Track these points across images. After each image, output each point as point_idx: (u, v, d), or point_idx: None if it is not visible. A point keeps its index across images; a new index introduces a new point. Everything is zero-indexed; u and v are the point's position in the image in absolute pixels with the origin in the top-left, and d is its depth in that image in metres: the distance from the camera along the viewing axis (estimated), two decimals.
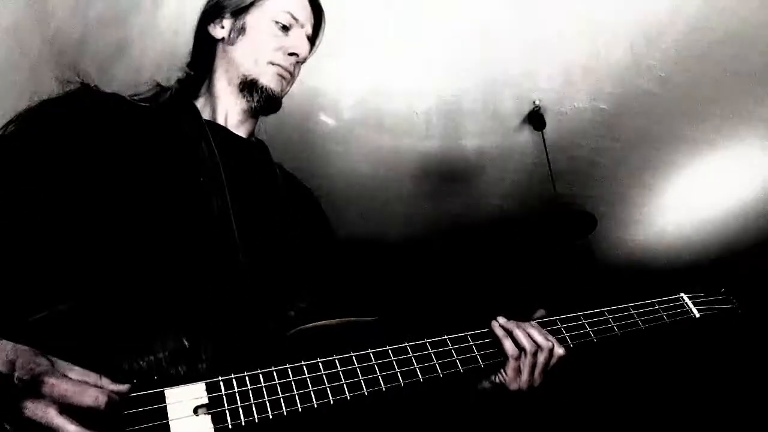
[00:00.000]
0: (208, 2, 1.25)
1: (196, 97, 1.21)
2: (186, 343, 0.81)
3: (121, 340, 0.79)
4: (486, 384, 1.05)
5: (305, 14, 1.21)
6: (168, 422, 0.72)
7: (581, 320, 1.12)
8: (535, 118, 3.21)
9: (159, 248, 0.89)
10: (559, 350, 1.04)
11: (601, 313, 1.15)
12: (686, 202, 3.99)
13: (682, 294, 1.29)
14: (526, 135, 3.39)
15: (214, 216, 0.96)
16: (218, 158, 1.03)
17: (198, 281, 0.89)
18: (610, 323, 1.14)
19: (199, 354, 0.81)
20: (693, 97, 3.14)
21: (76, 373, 0.67)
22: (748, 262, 4.34)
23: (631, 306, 1.18)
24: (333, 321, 0.91)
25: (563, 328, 1.10)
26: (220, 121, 1.17)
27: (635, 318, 1.17)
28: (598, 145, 3.50)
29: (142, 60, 2.64)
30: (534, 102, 3.17)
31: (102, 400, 0.65)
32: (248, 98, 1.16)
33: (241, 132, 1.19)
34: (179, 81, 1.23)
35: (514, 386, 1.02)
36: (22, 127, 0.93)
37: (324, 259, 1.13)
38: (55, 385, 0.64)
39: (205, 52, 1.23)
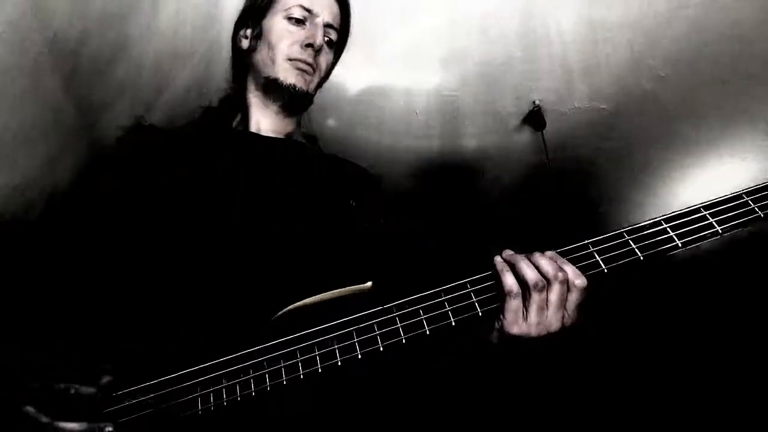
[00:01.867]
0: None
1: (238, 111, 1.23)
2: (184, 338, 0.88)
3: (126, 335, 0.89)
4: (495, 336, 0.87)
5: (320, 3, 1.21)
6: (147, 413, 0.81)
7: (624, 237, 0.85)
8: (535, 118, 3.21)
9: (169, 255, 0.96)
10: (578, 280, 0.82)
11: (657, 223, 0.86)
12: (686, 201, 3.98)
13: None
14: (526, 135, 3.39)
15: (224, 224, 1.00)
16: (233, 167, 1.06)
17: (199, 283, 0.94)
18: (668, 233, 0.84)
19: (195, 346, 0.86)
20: (693, 97, 3.13)
21: (65, 377, 0.79)
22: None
23: (702, 206, 0.87)
24: (325, 295, 0.89)
25: (596, 251, 0.85)
26: (253, 128, 1.19)
27: (708, 219, 0.85)
28: (598, 145, 3.50)
29: (142, 60, 2.64)
30: (534, 102, 3.17)
31: (71, 392, 0.77)
32: (273, 98, 1.18)
33: (277, 133, 1.20)
34: (221, 100, 1.27)
35: (515, 330, 0.82)
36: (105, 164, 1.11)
37: (344, 251, 1.10)
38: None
39: (239, 66, 1.27)
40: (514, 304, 0.82)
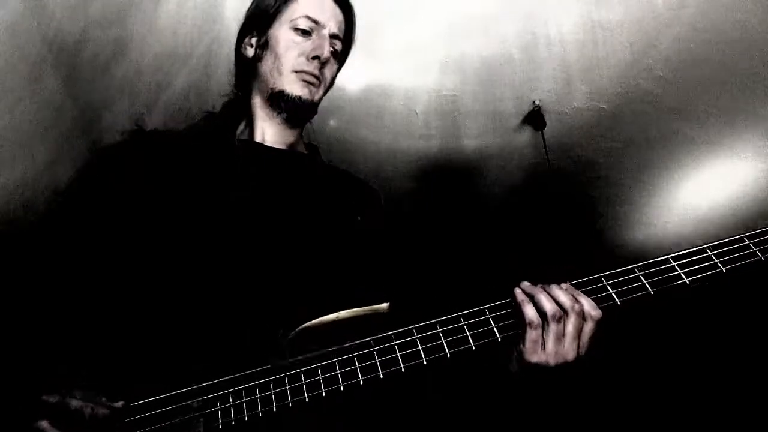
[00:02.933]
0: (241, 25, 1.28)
1: (242, 118, 1.23)
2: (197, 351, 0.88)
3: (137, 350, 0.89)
4: (514, 365, 0.90)
5: (326, 14, 1.20)
6: (166, 425, 0.80)
7: (635, 272, 0.90)
8: (535, 118, 3.21)
9: (176, 265, 0.96)
10: (593, 312, 0.86)
11: (665, 261, 0.91)
12: (686, 202, 3.99)
13: None
14: (526, 135, 3.39)
15: (236, 236, 0.99)
16: (242, 177, 1.06)
17: (212, 292, 0.94)
18: (676, 270, 0.90)
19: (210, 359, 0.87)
20: (693, 97, 3.13)
21: (79, 395, 0.80)
22: None
23: (708, 247, 0.92)
24: (341, 313, 0.89)
25: (609, 285, 0.90)
26: (258, 138, 1.18)
27: (713, 260, 0.90)
28: (598, 145, 3.50)
29: (142, 60, 2.64)
30: (534, 102, 3.17)
31: (87, 412, 0.78)
32: (278, 110, 1.17)
33: (281, 144, 1.19)
34: (224, 105, 1.26)
35: (534, 359, 0.86)
36: (90, 172, 1.12)
37: (351, 262, 1.09)
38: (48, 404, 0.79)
39: (244, 73, 1.25)
40: (534, 335, 0.86)
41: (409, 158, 3.52)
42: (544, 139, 3.27)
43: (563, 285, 0.89)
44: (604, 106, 3.21)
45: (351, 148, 3.38)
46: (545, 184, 3.51)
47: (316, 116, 1.27)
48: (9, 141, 2.44)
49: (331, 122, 3.19)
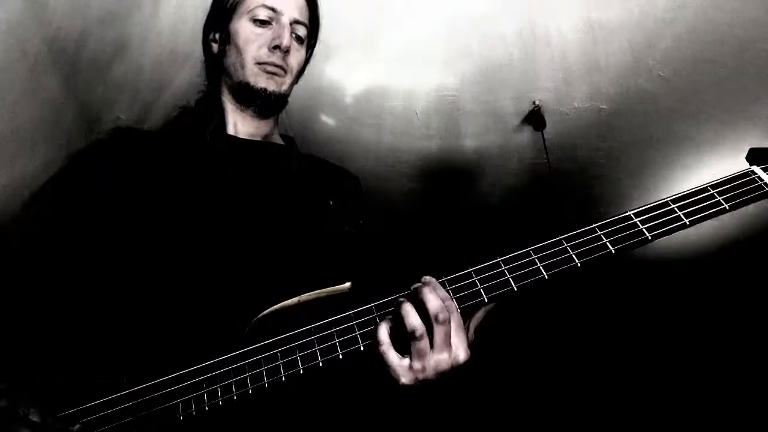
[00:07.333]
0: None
1: (215, 113, 1.22)
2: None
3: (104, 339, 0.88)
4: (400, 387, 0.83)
5: (284, 0, 1.18)
6: (134, 419, 0.80)
7: (596, 232, 0.83)
8: (535, 118, 3.21)
9: (144, 258, 0.96)
10: (441, 315, 0.76)
11: (626, 218, 0.83)
12: None
13: (753, 167, 0.88)
14: (526, 135, 3.39)
15: (202, 228, 1.00)
16: (211, 171, 1.07)
17: (176, 287, 0.94)
18: (638, 226, 0.82)
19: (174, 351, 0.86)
20: (693, 97, 3.14)
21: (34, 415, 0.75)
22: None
23: (670, 200, 0.86)
24: (302, 296, 0.87)
25: (569, 246, 0.83)
26: (230, 130, 1.18)
27: (677, 212, 0.83)
28: (598, 145, 3.50)
29: (142, 60, 2.64)
30: (534, 102, 3.17)
31: None
32: (246, 103, 1.17)
33: (255, 136, 1.19)
34: (197, 101, 1.26)
35: (405, 380, 0.78)
36: (69, 172, 1.11)
37: (322, 251, 1.08)
38: None
39: (212, 69, 1.25)
40: (396, 364, 0.78)
41: (409, 158, 3.52)
42: (544, 139, 3.27)
43: (404, 303, 0.79)
44: (604, 106, 3.21)
45: (351, 148, 3.38)
46: (545, 184, 3.51)
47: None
48: (9, 141, 2.44)
49: (331, 122, 3.19)
